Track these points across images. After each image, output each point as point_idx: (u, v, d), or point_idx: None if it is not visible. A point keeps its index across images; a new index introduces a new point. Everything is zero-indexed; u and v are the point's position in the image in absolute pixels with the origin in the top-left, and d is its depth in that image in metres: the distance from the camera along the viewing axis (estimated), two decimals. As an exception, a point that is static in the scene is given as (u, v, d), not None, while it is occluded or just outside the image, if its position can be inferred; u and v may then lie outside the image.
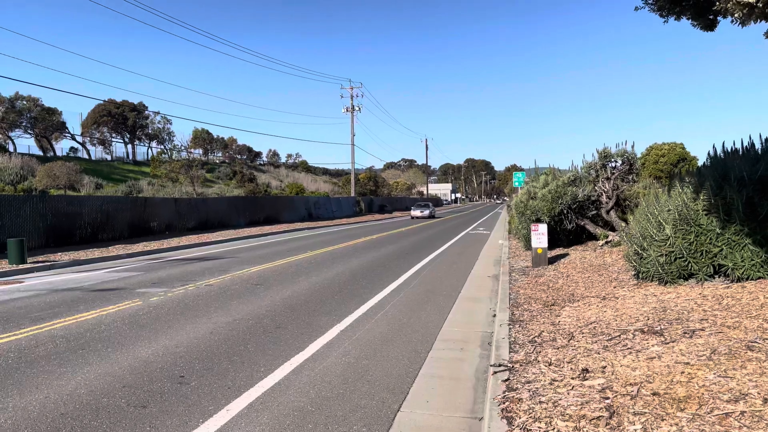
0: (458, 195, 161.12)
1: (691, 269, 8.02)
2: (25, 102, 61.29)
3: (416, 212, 49.03)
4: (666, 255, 8.21)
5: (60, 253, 18.32)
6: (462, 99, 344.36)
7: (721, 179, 8.08)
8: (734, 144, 9.02)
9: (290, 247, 21.07)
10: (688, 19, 6.50)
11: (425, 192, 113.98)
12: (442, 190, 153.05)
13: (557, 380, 4.79)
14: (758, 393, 3.95)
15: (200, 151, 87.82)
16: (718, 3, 4.77)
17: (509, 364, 5.45)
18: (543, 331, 6.66)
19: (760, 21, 4.77)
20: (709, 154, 9.30)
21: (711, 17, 6.25)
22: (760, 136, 8.74)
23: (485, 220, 45.00)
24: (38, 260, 16.35)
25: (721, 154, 9.04)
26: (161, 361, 6.28)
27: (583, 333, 6.34)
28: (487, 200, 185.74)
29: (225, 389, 5.35)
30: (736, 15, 4.80)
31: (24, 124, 62.50)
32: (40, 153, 64.64)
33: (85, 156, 71.03)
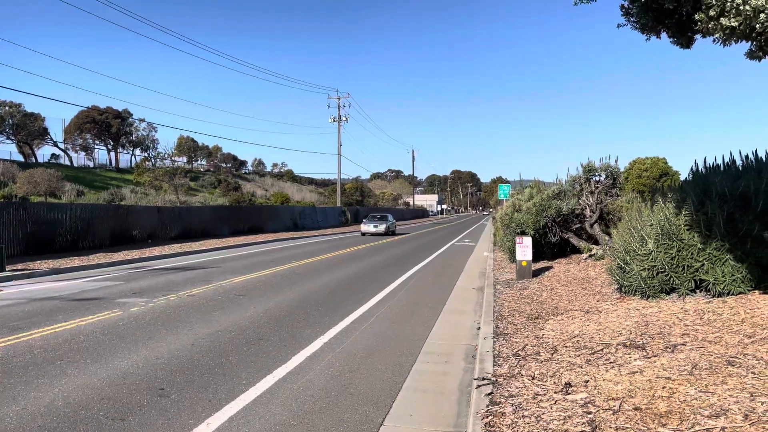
0: (444, 206, 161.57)
1: (673, 284, 8.11)
2: (7, 107, 60.56)
3: (368, 227, 36.64)
4: (648, 269, 8.29)
5: (39, 262, 18.05)
6: (449, 111, 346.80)
7: (703, 195, 8.20)
8: (716, 160, 9.17)
9: (274, 257, 20.96)
10: (669, 36, 6.62)
11: (411, 203, 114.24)
12: (428, 201, 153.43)
13: (540, 394, 4.81)
14: (739, 409, 3.99)
15: (185, 159, 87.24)
16: (700, 23, 4.87)
17: (493, 378, 5.46)
18: (527, 345, 6.69)
19: (741, 41, 4.88)
20: (691, 169, 9.44)
21: (689, 35, 6.38)
22: (740, 152, 8.92)
23: (471, 231, 45.14)
24: (17, 268, 16.10)
25: (703, 170, 9.18)
26: (141, 373, 6.19)
27: (566, 346, 6.37)
28: (473, 211, 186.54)
29: (206, 402, 5.29)
30: (717, 35, 4.90)
31: (6, 130, 61.71)
32: (22, 159, 63.80)
33: (67, 163, 70.23)
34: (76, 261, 18.38)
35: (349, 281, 13.94)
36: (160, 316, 9.42)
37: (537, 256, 15.44)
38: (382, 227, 36.42)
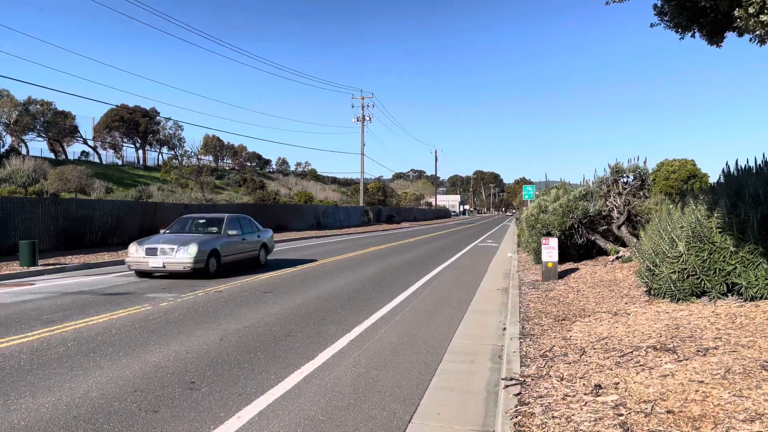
0: (467, 207, 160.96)
1: (704, 287, 7.97)
2: (39, 106, 61.92)
3: (141, 256, 13.83)
4: (679, 272, 8.16)
5: (70, 256, 18.44)
6: (472, 111, 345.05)
7: (736, 197, 8.05)
8: (747, 162, 8.99)
9: (299, 255, 21.11)
10: (702, 36, 6.52)
11: (434, 203, 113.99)
12: (450, 201, 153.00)
13: (570, 395, 4.77)
14: (774, 413, 3.92)
15: (210, 157, 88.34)
16: (738, 21, 4.79)
17: (521, 378, 5.43)
18: (554, 346, 6.64)
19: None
20: (723, 171, 9.27)
21: (722, 33, 6.27)
22: (775, 154, 8.71)
23: (494, 232, 44.91)
24: (49, 263, 16.47)
25: (735, 172, 9.01)
26: (172, 367, 6.30)
27: (594, 348, 6.31)
28: (496, 213, 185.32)
29: (236, 396, 5.37)
30: (757, 32, 4.81)
31: (37, 127, 63.12)
32: (52, 156, 65.22)
33: (96, 160, 71.55)
34: (105, 256, 18.73)
35: (374, 280, 13.97)
36: (189, 311, 9.56)
37: (563, 257, 15.29)
38: (184, 256, 13.58)
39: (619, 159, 15.97)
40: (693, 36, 6.60)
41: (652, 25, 6.91)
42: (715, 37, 6.49)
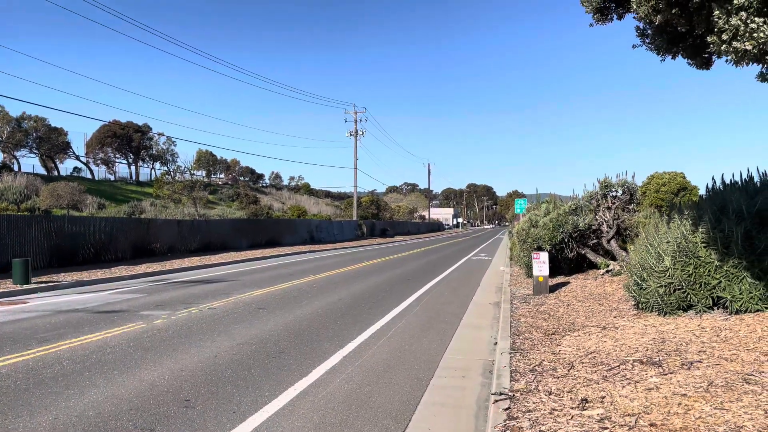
0: (460, 220, 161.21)
1: (690, 301, 8.14)
2: (32, 122, 61.92)
3: None
4: (665, 286, 8.33)
5: (63, 274, 18.44)
6: (464, 124, 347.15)
7: (720, 212, 8.24)
8: (733, 176, 9.21)
9: (292, 270, 21.18)
10: (684, 57, 6.73)
11: (427, 216, 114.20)
12: (444, 214, 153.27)
13: (557, 410, 4.90)
14: (753, 426, 4.06)
15: (203, 172, 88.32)
16: (713, 46, 4.99)
17: (510, 393, 5.56)
18: (543, 360, 6.77)
19: (752, 64, 4.99)
20: (707, 186, 9.48)
21: (706, 56, 6.48)
22: (758, 169, 8.95)
23: (487, 246, 45.09)
24: (42, 280, 16.48)
25: (720, 187, 9.22)
26: (167, 385, 6.38)
27: (583, 362, 6.44)
28: (489, 225, 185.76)
29: (230, 414, 5.46)
30: (730, 57, 5.02)
31: (29, 143, 63.04)
32: (44, 172, 65.08)
33: (89, 176, 71.41)
34: (98, 273, 18.75)
35: (367, 295, 14.07)
36: (183, 328, 9.63)
37: (554, 271, 15.46)
38: None
39: (608, 173, 16.20)
40: (674, 58, 6.82)
41: (634, 46, 7.14)
42: (695, 59, 6.71)
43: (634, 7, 5.67)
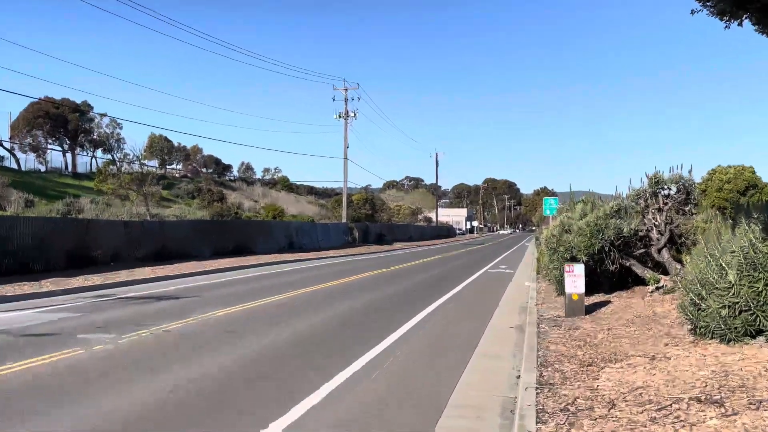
0: (475, 223, 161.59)
1: (759, 324, 8.18)
2: (-58, 98, 61.83)
3: None
4: (729, 306, 8.37)
5: (-19, 287, 18.40)
6: (481, 108, 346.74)
7: (797, 216, 8.29)
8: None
9: (266, 284, 21.20)
10: (753, 24, 6.77)
11: (434, 219, 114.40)
12: (455, 216, 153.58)
13: (594, 459, 4.91)
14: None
15: (156, 162, 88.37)
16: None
17: (536, 438, 5.57)
18: (578, 398, 6.79)
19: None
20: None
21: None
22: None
23: (508, 255, 45.19)
24: (-45, 295, 16.44)
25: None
26: (109, 429, 6.37)
27: (626, 401, 6.47)
28: (511, 230, 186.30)
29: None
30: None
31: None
32: (-42, 161, 65.02)
33: (14, 165, 71.32)
34: (25, 287, 18.73)
35: (360, 316, 14.10)
36: (131, 355, 9.64)
37: (591, 287, 15.49)
38: None
39: (659, 168, 16.20)
40: (741, 24, 6.86)
41: (693, 12, 7.18)
42: (766, 24, 6.75)
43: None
